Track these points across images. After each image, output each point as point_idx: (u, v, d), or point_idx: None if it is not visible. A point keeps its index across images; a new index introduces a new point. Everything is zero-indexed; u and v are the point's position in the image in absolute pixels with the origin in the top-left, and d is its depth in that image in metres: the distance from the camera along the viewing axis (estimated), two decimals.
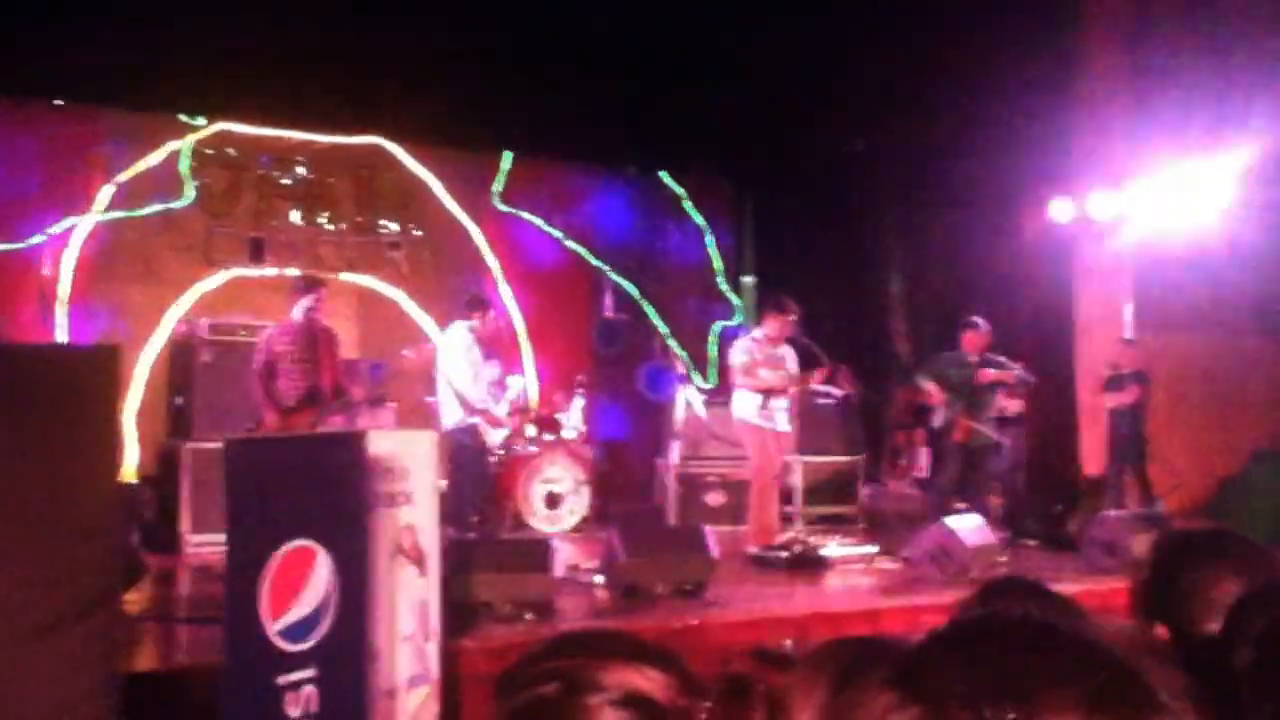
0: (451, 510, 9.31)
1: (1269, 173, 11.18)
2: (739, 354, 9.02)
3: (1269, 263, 11.68)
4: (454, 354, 8.76)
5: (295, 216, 11.14)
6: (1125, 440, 10.63)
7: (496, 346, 9.45)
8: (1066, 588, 7.21)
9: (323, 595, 5.09)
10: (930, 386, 9.71)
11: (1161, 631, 2.13)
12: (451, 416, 8.74)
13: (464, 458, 8.66)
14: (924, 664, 1.05)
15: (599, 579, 7.48)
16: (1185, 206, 11.10)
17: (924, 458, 11.03)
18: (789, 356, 9.05)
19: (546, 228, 12.27)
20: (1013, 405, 10.55)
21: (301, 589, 5.05)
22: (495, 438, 9.13)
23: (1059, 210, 11.32)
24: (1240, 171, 10.94)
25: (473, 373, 8.67)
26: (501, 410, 9.16)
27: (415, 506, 5.77)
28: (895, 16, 10.95)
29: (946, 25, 10.96)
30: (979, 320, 9.83)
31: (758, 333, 9.15)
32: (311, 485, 5.38)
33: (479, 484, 8.78)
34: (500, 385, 9.63)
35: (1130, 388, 10.59)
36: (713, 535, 7.67)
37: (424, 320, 11.36)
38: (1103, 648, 1.04)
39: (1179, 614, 2.13)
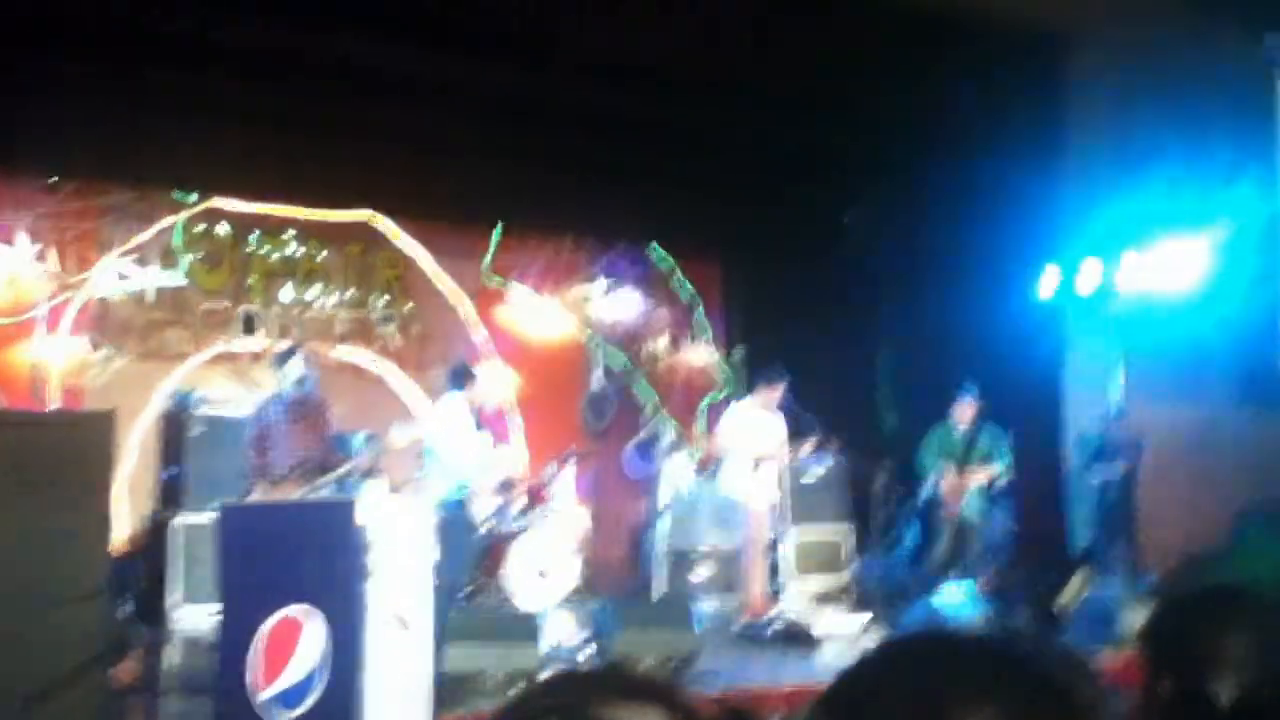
0: (443, 582, 9.40)
1: (1250, 246, 11.43)
2: (728, 425, 9.16)
3: (1253, 334, 11.89)
4: (443, 427, 8.89)
5: (286, 291, 11.31)
6: (1114, 512, 10.72)
7: (486, 419, 9.55)
8: None
9: (315, 661, 5.19)
10: (938, 473, 9.83)
11: (1166, 688, 2.13)
12: (442, 489, 8.84)
13: (454, 530, 8.75)
14: (846, 688, 1.12)
15: (587, 652, 7.56)
16: (1169, 277, 11.29)
17: (913, 530, 11.10)
18: (778, 427, 9.18)
19: (536, 300, 12.43)
20: (1002, 477, 10.65)
21: (293, 655, 5.15)
22: (486, 510, 9.21)
23: (1047, 281, 11.53)
24: (1223, 244, 11.16)
25: (462, 445, 8.79)
26: (492, 482, 9.25)
27: (406, 576, 5.88)
28: (884, 90, 11.17)
29: (935, 98, 11.19)
30: (969, 390, 9.97)
31: (747, 403, 9.30)
32: (305, 552, 5.49)
33: (469, 556, 8.86)
34: (494, 458, 9.72)
35: (1119, 459, 10.71)
36: (699, 608, 7.78)
37: (414, 393, 11.50)
38: (1028, 664, 1.10)
39: (1185, 670, 2.11)
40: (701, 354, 13.22)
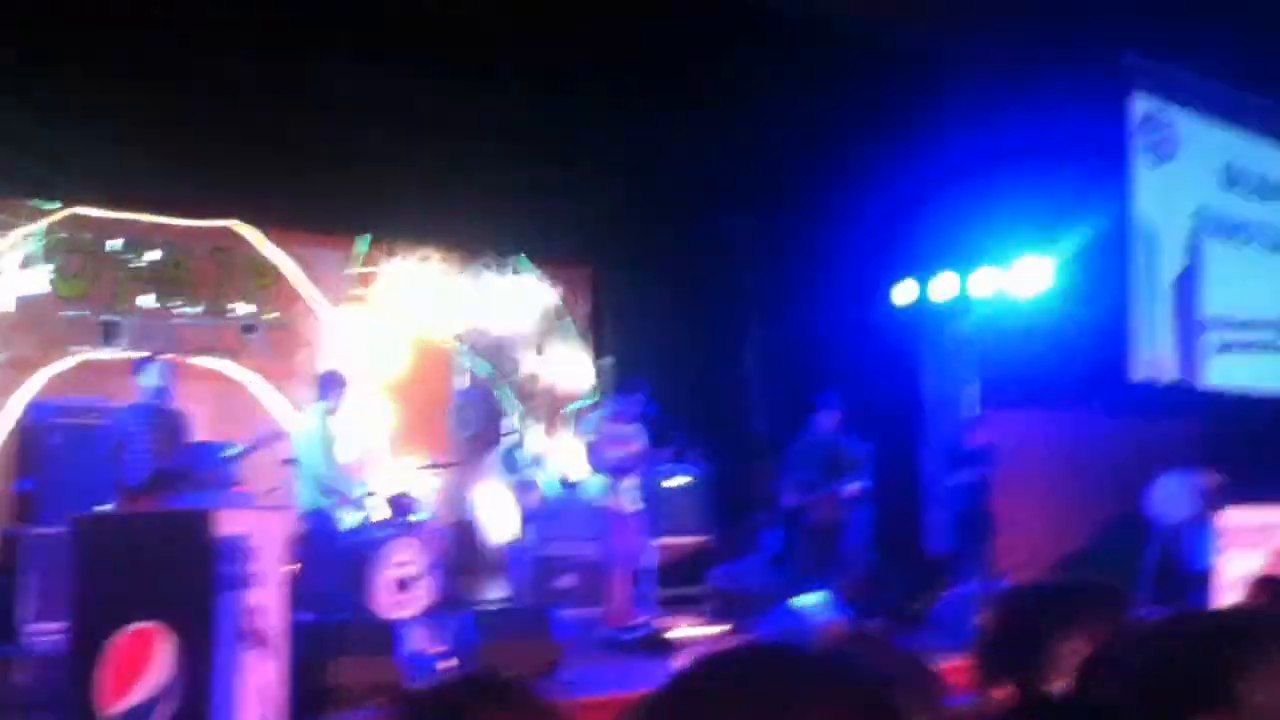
0: (304, 594, 9.40)
1: (1098, 258, 11.84)
2: (588, 435, 9.32)
3: (1100, 342, 12.30)
4: (308, 436, 8.90)
5: (149, 299, 11.20)
6: (969, 518, 11.05)
7: (356, 427, 9.56)
8: None
9: (165, 679, 5.18)
10: (801, 481, 10.05)
11: (1005, 691, 2.14)
12: (306, 499, 8.88)
13: (317, 541, 8.79)
14: (667, 700, 1.15)
15: (448, 664, 7.64)
16: (1026, 287, 11.64)
17: (775, 537, 11.31)
18: (639, 436, 9.34)
19: (403, 309, 12.44)
20: (861, 484, 10.94)
21: (143, 672, 5.15)
22: (350, 521, 9.22)
23: (904, 292, 11.84)
24: (1072, 255, 11.54)
25: (327, 455, 8.81)
26: (357, 493, 9.25)
27: (263, 588, 5.88)
28: (749, 102, 11.38)
29: (799, 110, 11.41)
30: (833, 399, 10.19)
31: (606, 412, 9.45)
32: (158, 565, 5.47)
33: (331, 568, 8.88)
34: (359, 468, 9.72)
35: (974, 466, 11.04)
36: (563, 618, 7.90)
37: (278, 403, 11.47)
38: (854, 673, 1.15)
39: (1025, 671, 2.12)
40: (569, 363, 13.29)
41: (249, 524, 5.91)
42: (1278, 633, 1.32)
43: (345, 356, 11.95)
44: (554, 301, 13.27)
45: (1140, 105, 12.99)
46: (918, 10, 11.42)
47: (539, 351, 13.14)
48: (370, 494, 9.41)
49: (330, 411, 8.94)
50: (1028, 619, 2.20)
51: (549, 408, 13.04)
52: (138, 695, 5.10)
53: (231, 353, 11.45)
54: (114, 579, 5.32)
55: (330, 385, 9.15)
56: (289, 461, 9.54)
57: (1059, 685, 2.03)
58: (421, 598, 8.77)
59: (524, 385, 12.98)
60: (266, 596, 5.81)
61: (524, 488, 10.87)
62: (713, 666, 1.17)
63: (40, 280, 10.68)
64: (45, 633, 7.65)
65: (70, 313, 10.81)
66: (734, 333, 13.30)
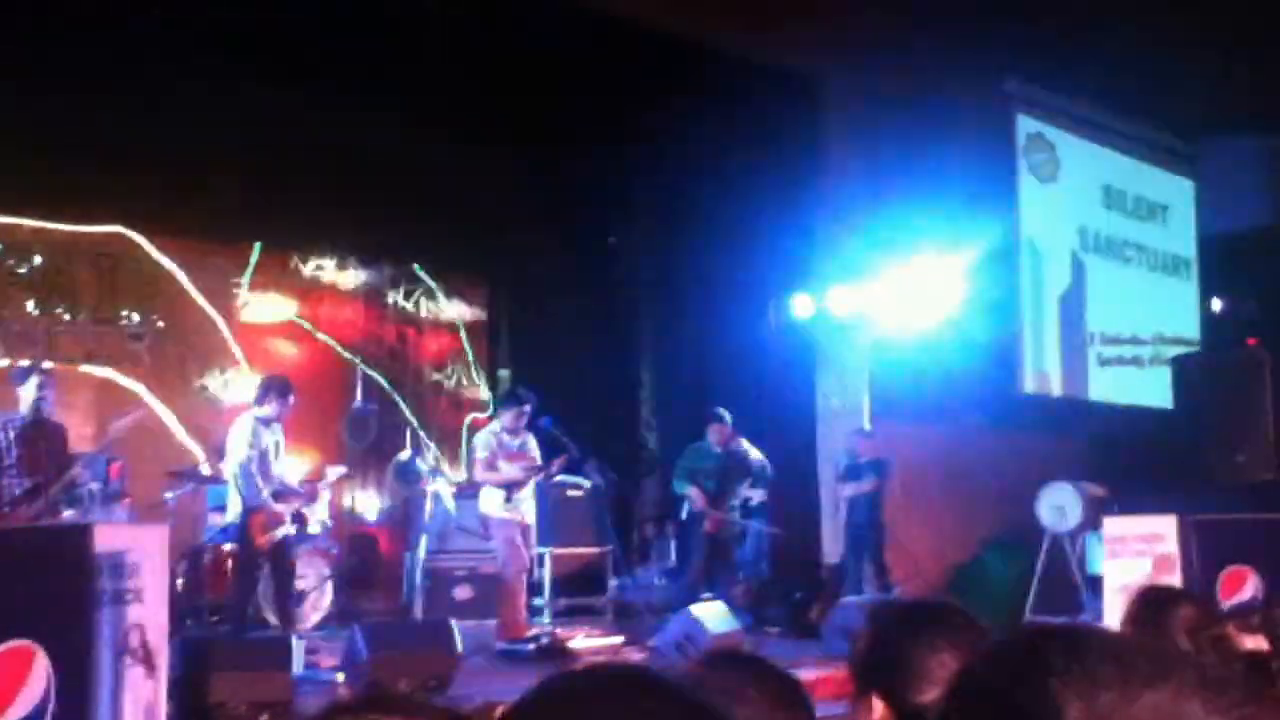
0: (194, 607, 9.06)
1: (987, 275, 11.98)
2: (480, 448, 9.14)
3: (990, 356, 12.44)
4: (234, 443, 8.38)
5: (30, 306, 10.78)
6: (863, 528, 11.05)
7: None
8: (807, 673, 7.52)
9: (40, 698, 4.93)
10: (693, 492, 9.94)
11: (877, 703, 2.13)
12: (233, 510, 8.41)
13: (241, 555, 8.39)
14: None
15: (340, 677, 7.40)
16: (915, 304, 11.72)
17: (671, 548, 11.25)
18: (531, 447, 9.17)
19: (296, 319, 12.16)
20: (757, 495, 10.90)
21: (18, 692, 4.88)
22: (278, 533, 8.63)
23: (800, 305, 11.86)
24: (962, 272, 11.65)
25: (252, 465, 8.25)
26: (283, 507, 8.67)
27: (144, 604, 5.64)
28: (646, 120, 11.34)
29: (695, 129, 11.41)
30: (723, 412, 10.16)
31: (496, 425, 9.27)
32: (32, 581, 5.22)
33: (225, 580, 8.51)
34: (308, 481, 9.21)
35: (868, 477, 11.05)
36: (459, 629, 7.70)
37: (165, 413, 11.10)
38: (688, 695, 1.13)
39: (894, 685, 2.12)
40: (465, 376, 13.14)
41: (128, 539, 5.66)
42: (1111, 649, 1.29)
43: (237, 365, 11.64)
44: (451, 314, 13.09)
45: (1024, 128, 13.20)
46: (806, 40, 11.47)
47: (436, 364, 12.96)
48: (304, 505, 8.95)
49: (268, 420, 8.44)
50: (894, 633, 2.21)
51: (445, 420, 12.85)
52: (13, 716, 4.82)
53: (118, 361, 11.06)
54: None
55: (269, 391, 8.61)
56: (177, 474, 9.20)
57: (930, 697, 2.02)
58: (314, 610, 8.49)
59: (421, 397, 12.78)
60: (147, 613, 5.57)
61: (419, 500, 10.63)
62: (552, 689, 1.18)
63: None
64: None
65: None
66: (630, 347, 13.25)
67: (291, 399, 8.55)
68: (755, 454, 10.58)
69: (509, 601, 9.00)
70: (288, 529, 8.42)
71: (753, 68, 11.32)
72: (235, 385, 11.57)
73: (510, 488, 8.93)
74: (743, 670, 2.10)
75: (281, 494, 8.42)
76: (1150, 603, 3.11)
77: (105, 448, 8.35)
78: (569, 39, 10.22)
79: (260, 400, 8.47)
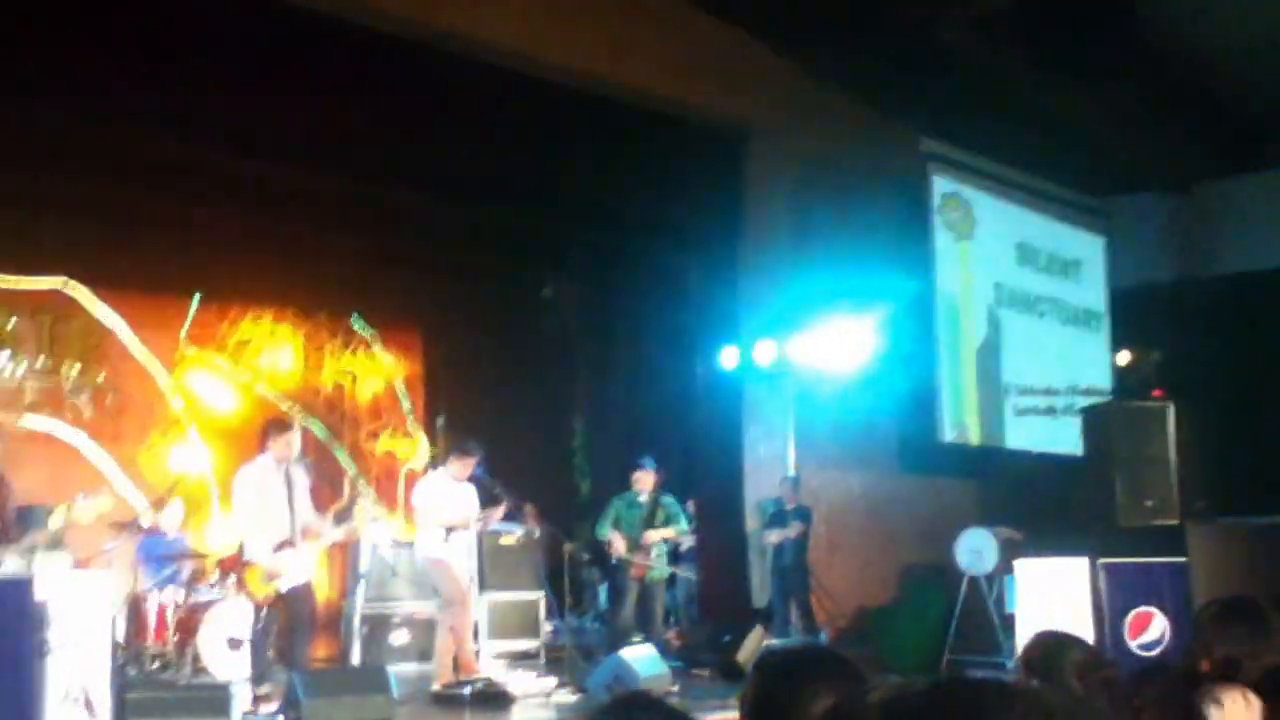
0: (137, 655, 8.93)
1: (906, 328, 12.16)
2: (422, 494, 9.14)
3: (909, 406, 12.61)
4: (241, 491, 8.10)
5: None
6: (789, 572, 11.16)
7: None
8: (732, 714, 7.57)
9: None
10: (614, 538, 9.98)
11: None
12: (256, 554, 8.04)
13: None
14: None
15: None
16: (838, 356, 11.88)
17: (603, 593, 11.25)
18: (470, 495, 9.19)
19: (234, 370, 12.11)
20: (686, 541, 10.97)
21: None
22: (281, 584, 7.98)
23: (727, 357, 12.01)
24: (882, 326, 11.82)
25: (259, 511, 7.96)
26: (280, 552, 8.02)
27: (87, 652, 5.62)
28: (580, 176, 11.43)
29: (624, 180, 11.47)
30: (648, 461, 10.18)
31: (442, 473, 9.28)
32: None
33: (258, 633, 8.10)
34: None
35: (793, 523, 11.17)
36: (396, 674, 7.69)
37: (106, 463, 11.02)
38: None
39: None
40: (401, 423, 13.12)
41: (70, 588, 5.65)
42: (1037, 704, 1.39)
43: (180, 415, 11.57)
44: (387, 362, 13.09)
45: (939, 187, 13.39)
46: (730, 100, 11.67)
47: (372, 413, 12.93)
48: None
49: (276, 460, 8.29)
50: (780, 677, 2.28)
51: (383, 467, 12.83)
52: None
53: (59, 413, 10.97)
54: None
55: (265, 437, 8.27)
56: (118, 525, 9.13)
57: None
58: (253, 657, 8.42)
59: (358, 446, 12.75)
60: (89, 660, 5.56)
61: (355, 547, 10.61)
62: None
63: None
64: None
65: None
66: (563, 396, 13.30)
67: (288, 435, 8.24)
68: (681, 501, 10.62)
69: (461, 636, 8.92)
70: (295, 578, 8.00)
71: (681, 126, 11.44)
72: (175, 436, 11.54)
73: (449, 533, 8.92)
74: (642, 711, 2.11)
75: (284, 543, 8.01)
76: (1044, 646, 3.23)
77: (64, 522, 8.17)
78: (506, 99, 10.29)
79: (268, 441, 8.18)
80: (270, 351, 12.38)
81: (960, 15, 11.20)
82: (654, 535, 9.90)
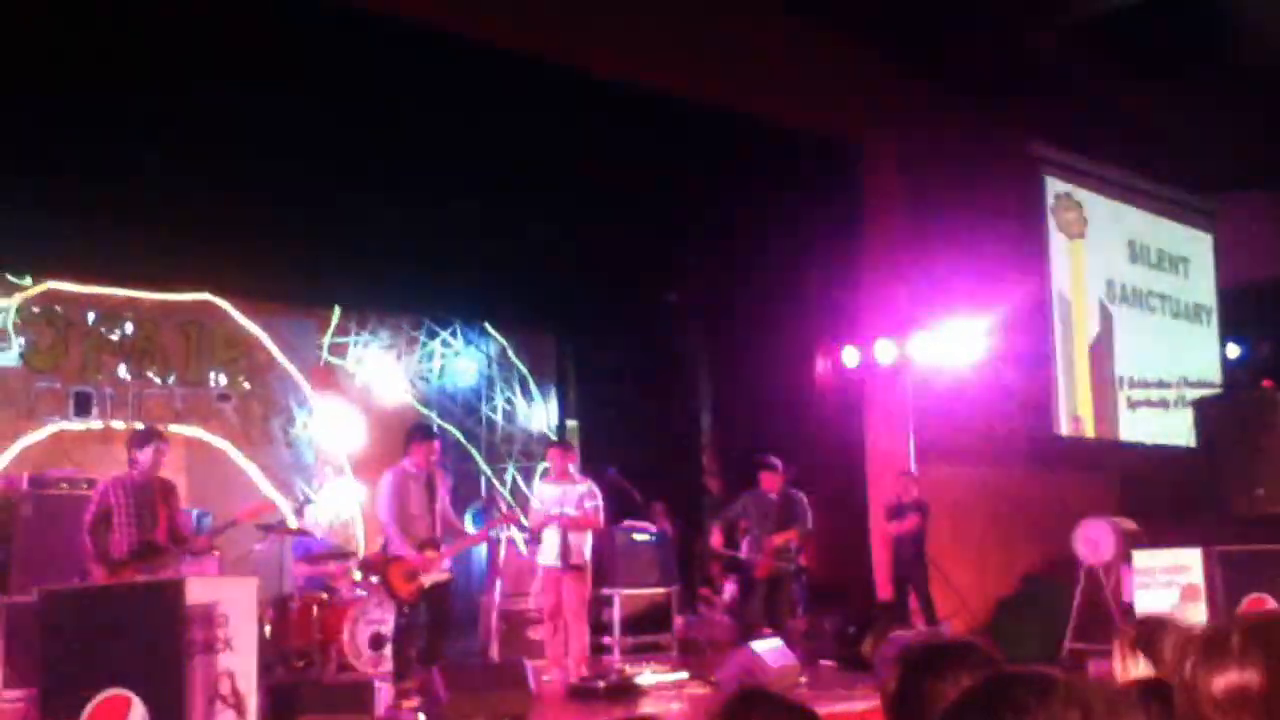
0: (281, 653, 8.76)
1: (1023, 324, 11.82)
2: (541, 491, 8.95)
3: (1030, 401, 12.23)
4: (383, 494, 8.12)
5: (122, 370, 10.62)
6: (909, 565, 10.76)
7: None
8: (858, 705, 7.21)
9: None
10: (716, 538, 9.91)
11: None
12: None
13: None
14: None
15: (421, 717, 7.11)
16: (957, 353, 11.55)
17: (732, 587, 11.00)
18: (587, 492, 8.79)
19: (375, 377, 12.00)
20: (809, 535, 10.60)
21: None
22: (425, 580, 7.98)
23: (848, 357, 11.77)
24: (1001, 322, 11.50)
25: (400, 513, 7.98)
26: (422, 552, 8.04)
27: (235, 652, 5.47)
28: (704, 183, 11.18)
29: (747, 191, 11.26)
30: (775, 460, 9.93)
31: (554, 470, 9.02)
32: (127, 634, 5.06)
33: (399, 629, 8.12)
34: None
35: (911, 516, 10.76)
36: (533, 668, 7.46)
37: (252, 470, 10.93)
38: None
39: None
40: (535, 425, 12.99)
41: (219, 591, 5.46)
42: (1076, 694, 1.44)
43: (320, 424, 11.46)
44: (517, 367, 12.96)
45: (1052, 189, 13.14)
46: (847, 110, 11.40)
47: (507, 416, 12.82)
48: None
49: (417, 465, 8.20)
50: (925, 672, 2.19)
51: (518, 468, 12.70)
52: None
53: (205, 421, 10.90)
54: (85, 649, 4.86)
55: (408, 441, 8.30)
56: (265, 528, 8.95)
57: None
58: (395, 654, 8.20)
59: (494, 446, 12.63)
60: (237, 660, 5.38)
61: (495, 545, 10.37)
62: None
63: (11, 354, 10.09)
64: (13, 699, 6.98)
65: (44, 384, 10.22)
66: (690, 397, 13.10)
67: (431, 442, 8.35)
68: (803, 499, 10.30)
69: (576, 640, 8.69)
70: (437, 576, 8.02)
71: (800, 137, 11.23)
72: (318, 442, 11.47)
73: (563, 533, 8.61)
74: (761, 705, 2.18)
75: (426, 543, 8.02)
76: (1144, 628, 3.21)
77: (229, 523, 8.08)
78: (633, 119, 10.10)
79: (411, 446, 8.24)
80: (408, 357, 12.28)
81: (1048, 22, 10.88)
82: (777, 539, 9.62)
